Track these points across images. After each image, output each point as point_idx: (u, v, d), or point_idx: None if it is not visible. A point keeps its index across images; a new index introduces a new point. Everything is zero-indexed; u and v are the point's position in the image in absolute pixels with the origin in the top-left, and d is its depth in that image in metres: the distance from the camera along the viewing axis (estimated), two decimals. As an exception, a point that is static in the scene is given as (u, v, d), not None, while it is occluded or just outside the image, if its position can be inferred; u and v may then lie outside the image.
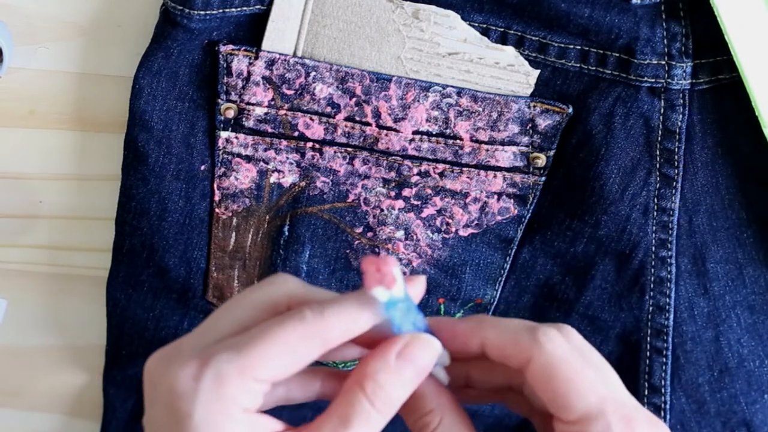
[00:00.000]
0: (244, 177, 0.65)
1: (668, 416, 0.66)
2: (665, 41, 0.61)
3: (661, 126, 0.63)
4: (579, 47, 0.62)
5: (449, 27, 0.62)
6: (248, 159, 0.64)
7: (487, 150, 0.63)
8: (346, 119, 0.63)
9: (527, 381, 0.46)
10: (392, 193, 0.64)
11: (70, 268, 0.70)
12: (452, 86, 0.62)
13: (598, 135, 0.63)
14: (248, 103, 0.63)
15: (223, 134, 0.64)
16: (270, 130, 0.64)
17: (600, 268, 0.65)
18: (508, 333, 0.46)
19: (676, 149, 0.63)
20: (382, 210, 0.65)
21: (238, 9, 0.62)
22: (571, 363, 0.45)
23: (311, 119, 0.63)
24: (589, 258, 0.65)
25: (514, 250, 0.66)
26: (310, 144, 0.64)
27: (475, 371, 0.49)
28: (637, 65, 0.61)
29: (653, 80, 0.62)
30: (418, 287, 0.47)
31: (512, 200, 0.64)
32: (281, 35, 0.62)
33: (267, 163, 0.64)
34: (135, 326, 0.68)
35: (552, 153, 0.63)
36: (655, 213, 0.64)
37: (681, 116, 0.62)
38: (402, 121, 0.63)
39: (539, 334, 0.45)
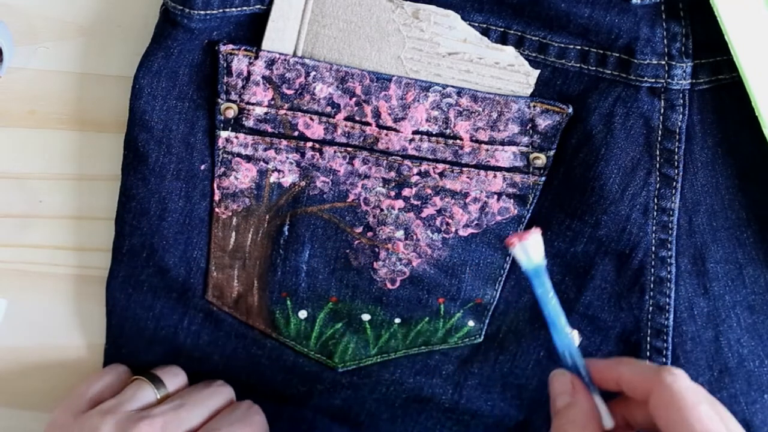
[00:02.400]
0: (244, 177, 0.65)
1: (668, 416, 0.66)
2: (665, 41, 0.61)
3: (661, 126, 0.63)
4: (579, 47, 0.62)
5: (449, 27, 0.62)
6: (248, 159, 0.64)
7: (487, 150, 0.63)
8: (346, 119, 0.63)
9: (650, 410, 0.52)
10: (392, 193, 0.64)
11: (71, 268, 0.70)
12: (452, 86, 0.62)
13: (598, 135, 0.63)
14: (248, 103, 0.63)
15: (223, 134, 0.64)
16: (270, 130, 0.64)
17: (600, 268, 0.65)
18: (637, 368, 0.55)
19: (676, 149, 0.63)
20: (381, 210, 0.65)
21: (238, 9, 0.61)
22: (686, 395, 0.51)
23: (311, 119, 0.63)
24: (589, 258, 0.65)
25: (514, 250, 0.66)
26: (310, 144, 0.64)
27: (627, 413, 0.56)
28: (637, 65, 0.61)
29: (653, 80, 0.62)
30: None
31: (512, 200, 0.64)
32: (281, 35, 0.62)
33: (267, 163, 0.64)
34: (135, 326, 0.68)
35: (552, 153, 0.63)
36: (655, 213, 0.64)
37: (681, 116, 0.62)
38: (402, 121, 0.63)
39: (662, 371, 0.53)
